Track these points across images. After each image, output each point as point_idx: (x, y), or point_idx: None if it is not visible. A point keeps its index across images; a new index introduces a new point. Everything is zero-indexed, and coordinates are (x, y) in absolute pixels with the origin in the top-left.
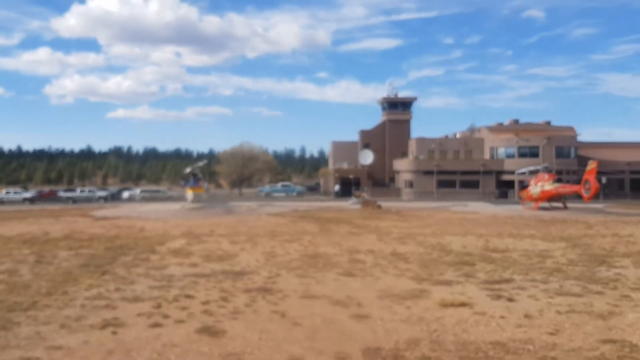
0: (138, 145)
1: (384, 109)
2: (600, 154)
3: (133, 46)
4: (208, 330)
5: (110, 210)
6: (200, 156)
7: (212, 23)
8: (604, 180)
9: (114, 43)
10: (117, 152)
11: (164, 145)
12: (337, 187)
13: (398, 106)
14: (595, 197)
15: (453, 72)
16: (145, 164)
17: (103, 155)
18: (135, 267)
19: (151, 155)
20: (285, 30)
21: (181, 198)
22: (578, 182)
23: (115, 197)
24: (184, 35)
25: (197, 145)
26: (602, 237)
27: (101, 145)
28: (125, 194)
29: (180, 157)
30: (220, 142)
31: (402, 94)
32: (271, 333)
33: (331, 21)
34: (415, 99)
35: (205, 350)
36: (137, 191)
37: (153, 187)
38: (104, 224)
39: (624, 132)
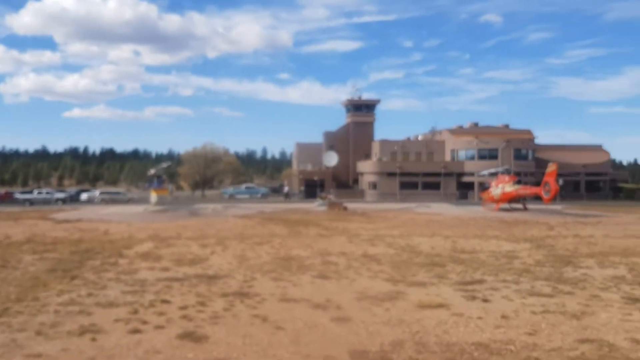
0: (95, 146)
1: (348, 110)
2: (556, 156)
3: (90, 44)
4: (190, 336)
5: (70, 213)
6: (160, 157)
7: (172, 22)
8: (560, 182)
9: (71, 41)
10: (73, 152)
11: (122, 145)
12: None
13: (362, 108)
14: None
15: (413, 74)
16: (103, 165)
17: (58, 156)
18: (105, 271)
19: (108, 156)
20: (246, 31)
21: (142, 200)
22: (536, 183)
23: (73, 199)
24: (143, 34)
25: (156, 145)
26: (564, 238)
27: (57, 145)
28: (84, 196)
29: (139, 158)
30: (180, 142)
31: (365, 96)
32: (255, 338)
33: (293, 22)
34: (378, 101)
35: (190, 356)
36: (96, 193)
37: (113, 189)
38: (66, 227)
39: (578, 134)
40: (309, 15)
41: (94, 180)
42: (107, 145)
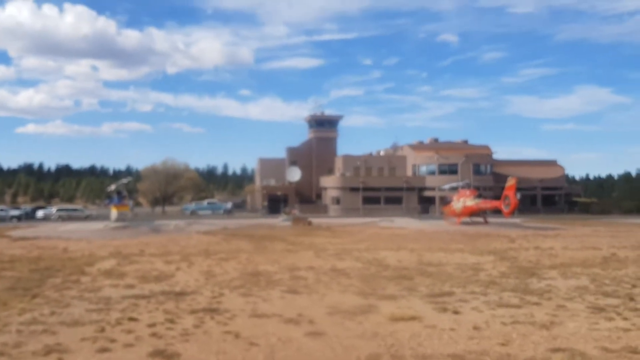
0: (50, 162)
1: (311, 126)
2: (513, 171)
3: (46, 59)
4: (161, 354)
5: (27, 230)
6: (118, 173)
7: (131, 37)
8: (518, 196)
9: (26, 55)
10: (27, 169)
11: (78, 162)
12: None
13: (325, 124)
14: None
15: (372, 92)
16: (58, 181)
17: (12, 173)
18: (67, 289)
19: (64, 172)
20: (207, 47)
21: (101, 217)
22: (494, 197)
23: (29, 216)
24: (101, 49)
25: (114, 162)
26: (525, 250)
27: (10, 162)
28: (40, 213)
29: (96, 175)
30: (139, 159)
31: (327, 113)
32: (228, 354)
33: (253, 39)
34: (341, 117)
35: None
36: (53, 210)
37: (70, 206)
38: (23, 244)
39: (532, 151)
40: (270, 33)
41: (49, 197)
42: (63, 161)
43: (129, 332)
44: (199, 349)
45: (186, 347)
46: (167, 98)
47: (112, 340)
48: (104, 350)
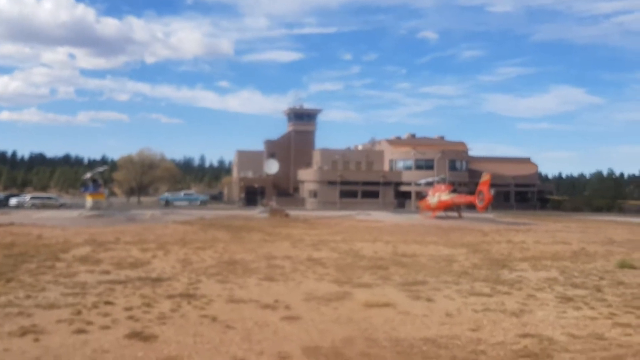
0: (24, 150)
1: (289, 119)
2: (488, 167)
3: (23, 46)
4: (138, 336)
5: (0, 217)
6: (93, 163)
7: (109, 25)
8: (492, 192)
9: (1, 41)
10: (0, 157)
11: (53, 150)
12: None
13: (304, 117)
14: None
15: (351, 87)
16: (32, 170)
17: None
18: (42, 274)
19: (38, 160)
20: (186, 37)
21: (75, 206)
22: (469, 193)
23: (2, 204)
24: (79, 37)
25: (89, 151)
26: (497, 244)
27: None
28: (13, 201)
29: (70, 164)
30: (115, 149)
31: (305, 107)
32: (205, 337)
33: (233, 30)
34: (320, 110)
35: (140, 354)
36: (26, 198)
37: (44, 194)
38: None
39: (506, 148)
40: (250, 25)
41: (22, 186)
42: (37, 150)
43: (106, 315)
44: (175, 332)
45: (163, 330)
46: (144, 88)
47: (89, 323)
48: (80, 331)
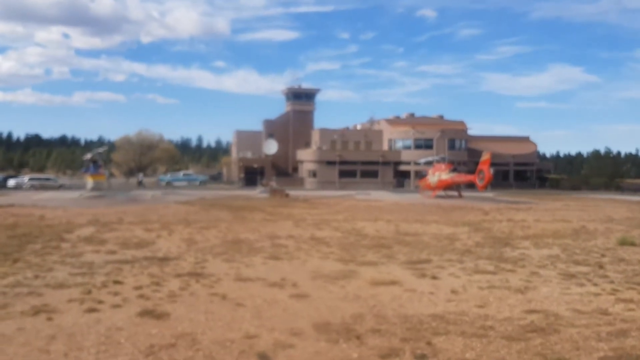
0: (19, 131)
1: (288, 99)
2: (487, 146)
3: (16, 24)
4: (150, 314)
5: None
6: (89, 144)
7: (104, 4)
8: (491, 171)
9: None
10: None
11: (49, 132)
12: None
13: (302, 97)
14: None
15: (348, 66)
16: (28, 151)
17: None
18: (48, 254)
19: (34, 142)
20: (182, 16)
21: (74, 187)
22: (468, 172)
23: (0, 186)
24: (73, 16)
25: (86, 132)
26: (499, 222)
27: None
28: (12, 182)
29: (67, 145)
30: (111, 129)
31: (305, 85)
32: (216, 314)
33: (229, 9)
34: (318, 90)
35: (154, 332)
36: (25, 179)
37: (42, 175)
38: None
39: (505, 127)
40: (246, 3)
41: (18, 167)
42: (33, 131)
43: (116, 294)
44: (187, 309)
45: (174, 307)
46: (140, 68)
47: (100, 302)
48: (92, 310)
